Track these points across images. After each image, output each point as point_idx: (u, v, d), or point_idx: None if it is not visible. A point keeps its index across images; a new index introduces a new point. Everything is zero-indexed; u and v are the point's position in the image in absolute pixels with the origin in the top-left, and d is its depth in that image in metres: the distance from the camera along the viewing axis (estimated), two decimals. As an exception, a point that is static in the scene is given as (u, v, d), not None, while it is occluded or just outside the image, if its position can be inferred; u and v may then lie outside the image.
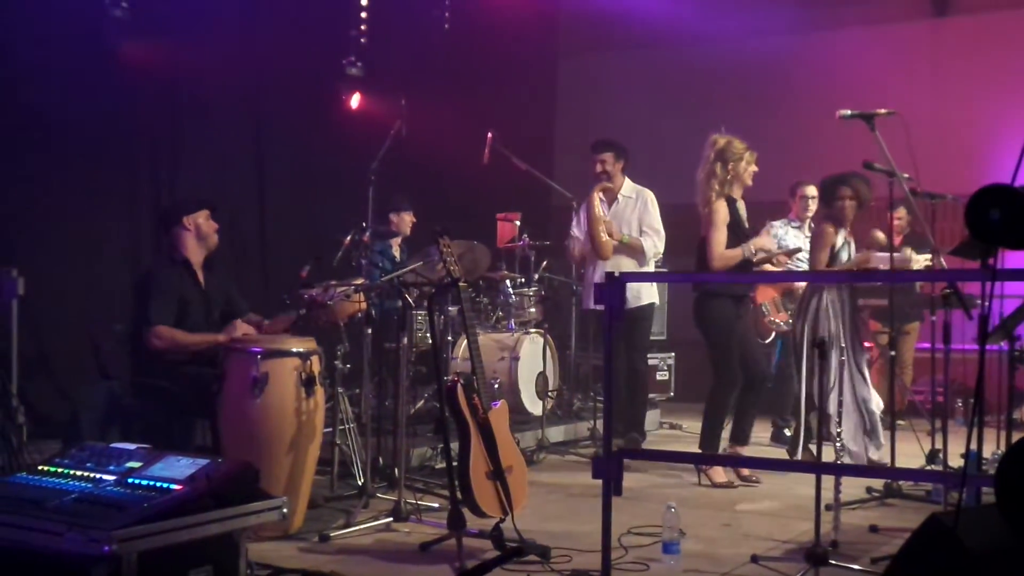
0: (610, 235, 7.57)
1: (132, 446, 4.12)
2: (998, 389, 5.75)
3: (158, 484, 3.75)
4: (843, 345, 6.36)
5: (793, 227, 8.17)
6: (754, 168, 6.66)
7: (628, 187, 7.75)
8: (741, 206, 6.72)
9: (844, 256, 6.63)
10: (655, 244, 7.62)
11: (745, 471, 6.67)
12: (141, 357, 5.54)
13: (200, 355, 5.45)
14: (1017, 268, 2.92)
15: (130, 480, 3.82)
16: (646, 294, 7.69)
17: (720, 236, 6.56)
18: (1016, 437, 2.53)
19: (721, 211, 6.59)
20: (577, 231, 7.96)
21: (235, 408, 5.10)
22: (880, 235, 7.46)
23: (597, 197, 7.63)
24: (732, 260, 6.55)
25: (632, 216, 7.67)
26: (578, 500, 6.14)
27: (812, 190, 7.96)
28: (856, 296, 6.77)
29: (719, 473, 6.61)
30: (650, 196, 7.70)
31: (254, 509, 3.90)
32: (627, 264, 7.57)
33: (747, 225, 6.76)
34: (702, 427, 6.81)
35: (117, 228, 7.77)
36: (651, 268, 7.86)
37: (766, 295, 8.17)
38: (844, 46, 10.92)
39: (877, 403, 6.51)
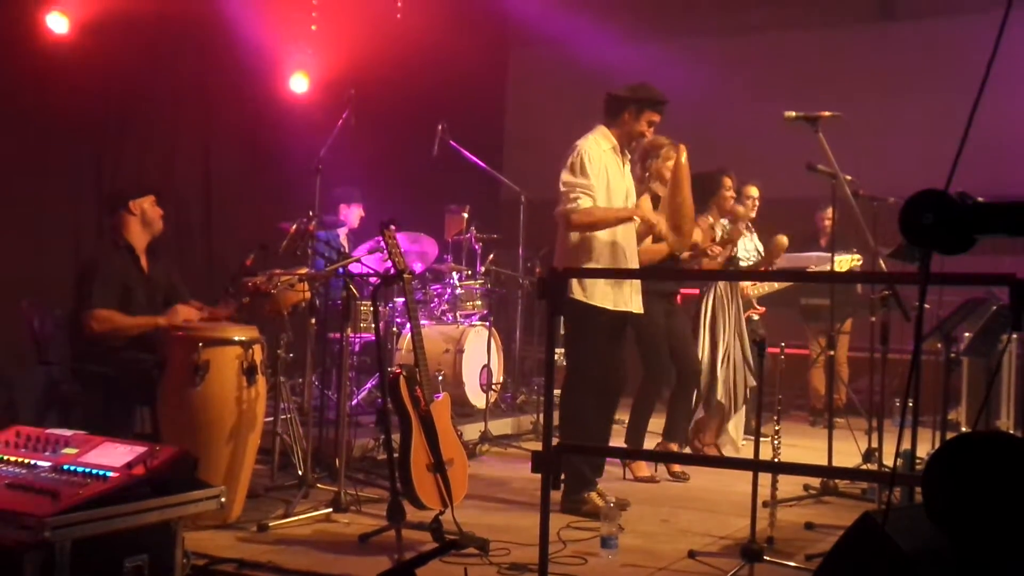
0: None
1: (69, 432, 4.08)
2: (934, 390, 5.85)
3: (94, 471, 3.72)
4: (726, 338, 6.93)
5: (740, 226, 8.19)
6: (683, 158, 5.96)
7: None
8: None
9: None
10: None
11: (677, 467, 6.74)
12: (81, 342, 5.48)
13: (140, 341, 5.40)
14: (951, 273, 2.98)
15: (66, 467, 3.79)
16: None
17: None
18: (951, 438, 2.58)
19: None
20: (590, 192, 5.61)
21: (175, 395, 5.07)
22: (782, 240, 7.60)
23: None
24: (657, 254, 6.36)
25: None
26: (519, 494, 6.17)
27: (755, 190, 7.99)
28: (738, 292, 7.10)
29: (642, 467, 6.67)
30: None
31: (192, 498, 3.88)
32: None
33: None
34: (628, 421, 6.80)
35: (59, 211, 7.66)
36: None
37: None
38: (789, 48, 11.03)
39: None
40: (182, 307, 5.61)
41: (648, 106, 5.78)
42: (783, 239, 7.26)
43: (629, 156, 5.97)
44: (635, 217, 5.78)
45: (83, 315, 5.38)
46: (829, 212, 8.42)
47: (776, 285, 7.83)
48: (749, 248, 7.95)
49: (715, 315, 6.98)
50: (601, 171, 5.68)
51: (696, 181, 6.75)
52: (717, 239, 6.94)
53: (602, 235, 5.68)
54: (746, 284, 7.66)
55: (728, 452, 7.08)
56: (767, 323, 7.86)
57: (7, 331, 6.81)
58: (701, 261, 6.80)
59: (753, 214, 8.00)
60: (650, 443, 6.95)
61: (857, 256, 7.65)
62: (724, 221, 7.26)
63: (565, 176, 5.66)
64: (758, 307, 7.77)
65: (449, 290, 8.64)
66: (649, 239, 6.25)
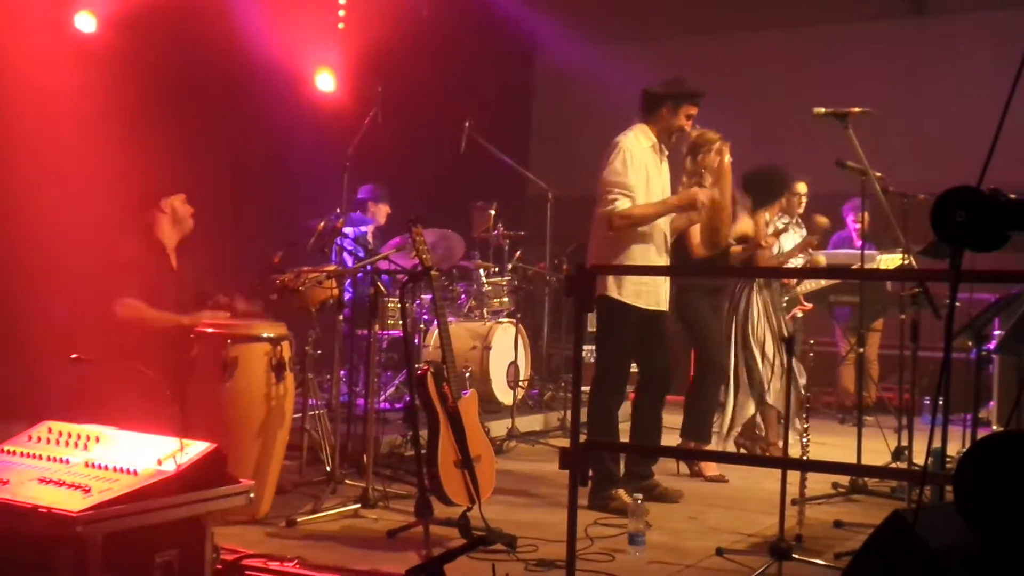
0: None
1: (99, 427, 4.10)
2: (964, 388, 5.80)
3: (125, 467, 3.74)
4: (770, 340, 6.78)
5: (783, 223, 8.11)
6: (727, 158, 6.16)
7: None
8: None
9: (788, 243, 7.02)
10: None
11: (714, 470, 6.68)
12: (111, 338, 5.51)
13: (169, 338, 5.42)
14: (983, 270, 2.95)
15: (97, 462, 3.81)
16: None
17: (695, 228, 6.35)
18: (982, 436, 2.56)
19: None
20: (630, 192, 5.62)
21: (204, 392, 5.09)
22: (822, 219, 7.53)
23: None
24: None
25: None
26: (546, 490, 6.16)
27: (803, 187, 7.91)
28: (778, 293, 7.00)
29: (711, 467, 6.63)
30: None
31: (221, 493, 3.89)
32: None
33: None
34: (685, 416, 6.75)
35: (89, 209, 7.69)
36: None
37: None
38: (820, 42, 10.97)
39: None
40: (208, 312, 5.62)
41: (685, 100, 5.80)
42: (823, 219, 7.23)
43: (667, 153, 5.95)
44: (673, 210, 5.77)
45: (111, 302, 5.39)
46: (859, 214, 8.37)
47: (823, 282, 7.78)
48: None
49: (753, 314, 6.86)
50: (641, 169, 5.67)
51: (761, 175, 6.76)
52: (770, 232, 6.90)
53: (635, 232, 5.66)
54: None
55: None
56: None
57: (38, 326, 6.86)
58: (756, 255, 6.74)
59: (801, 210, 7.93)
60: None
61: (905, 255, 7.52)
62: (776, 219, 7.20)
63: (605, 175, 5.65)
64: (805, 304, 7.69)
65: (476, 287, 8.65)
66: (696, 233, 6.22)
